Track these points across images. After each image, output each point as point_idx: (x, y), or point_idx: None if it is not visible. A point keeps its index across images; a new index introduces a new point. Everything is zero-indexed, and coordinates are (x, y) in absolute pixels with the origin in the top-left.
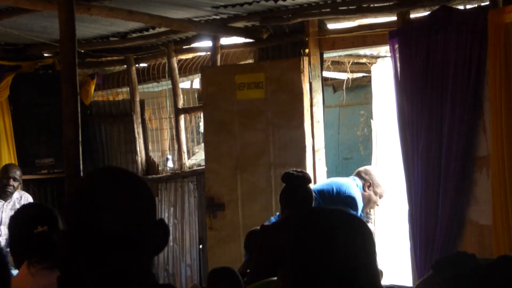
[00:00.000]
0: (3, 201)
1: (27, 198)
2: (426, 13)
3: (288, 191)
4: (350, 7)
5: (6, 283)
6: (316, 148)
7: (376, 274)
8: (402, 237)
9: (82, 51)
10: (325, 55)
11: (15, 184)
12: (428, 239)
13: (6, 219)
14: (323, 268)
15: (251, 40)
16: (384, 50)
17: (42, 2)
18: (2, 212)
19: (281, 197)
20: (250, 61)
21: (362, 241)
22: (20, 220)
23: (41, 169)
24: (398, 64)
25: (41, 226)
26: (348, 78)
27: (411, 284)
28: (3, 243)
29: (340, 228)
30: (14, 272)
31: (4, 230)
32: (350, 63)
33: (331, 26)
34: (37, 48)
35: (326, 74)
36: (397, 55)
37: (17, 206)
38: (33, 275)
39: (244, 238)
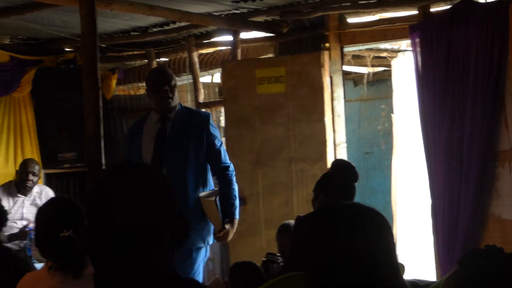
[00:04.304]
0: (23, 196)
1: (48, 193)
2: (447, 7)
3: (331, 177)
4: (370, 1)
5: None
6: (337, 142)
7: (397, 268)
8: (424, 232)
9: (103, 45)
10: (346, 49)
11: (34, 179)
12: (451, 233)
13: (26, 214)
14: (343, 263)
15: (271, 34)
16: (404, 44)
17: None
18: (22, 207)
19: (321, 183)
20: (271, 55)
21: (381, 234)
22: (46, 217)
23: (63, 163)
24: (419, 58)
25: (67, 225)
26: (368, 72)
27: (435, 279)
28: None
29: (359, 222)
30: (38, 265)
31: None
32: (371, 57)
33: (351, 20)
34: (58, 43)
35: (346, 68)
36: (418, 49)
37: (37, 200)
38: (50, 275)
39: (265, 232)
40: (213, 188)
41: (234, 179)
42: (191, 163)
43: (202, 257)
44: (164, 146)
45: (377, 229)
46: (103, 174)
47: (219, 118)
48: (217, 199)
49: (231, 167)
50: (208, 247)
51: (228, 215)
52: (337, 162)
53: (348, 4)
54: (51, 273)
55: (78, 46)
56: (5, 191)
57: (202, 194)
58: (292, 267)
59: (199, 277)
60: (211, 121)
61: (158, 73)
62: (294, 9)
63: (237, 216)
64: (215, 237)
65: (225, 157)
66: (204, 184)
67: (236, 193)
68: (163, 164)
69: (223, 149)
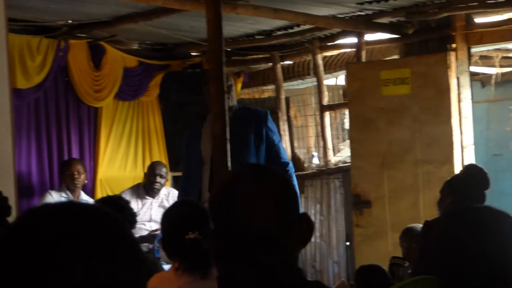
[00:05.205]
0: (151, 198)
1: (175, 195)
2: None
3: (463, 179)
4: (498, 0)
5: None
6: (464, 144)
7: None
8: None
9: (229, 49)
10: (473, 50)
11: (162, 181)
12: None
13: (154, 216)
14: (473, 266)
15: (396, 36)
16: None
17: (190, 2)
18: (150, 209)
19: (451, 186)
20: (396, 56)
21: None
22: (171, 219)
23: None
24: None
25: (192, 228)
26: (497, 72)
27: None
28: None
29: (489, 225)
30: (166, 267)
31: (153, 227)
32: (499, 58)
33: (478, 20)
34: (184, 47)
35: (473, 69)
36: None
37: (165, 202)
38: (177, 276)
39: (391, 235)
40: None
41: (294, 176)
42: (252, 160)
43: None
44: None
45: (508, 232)
46: (228, 178)
47: (343, 120)
48: None
49: (291, 164)
50: None
51: None
52: (470, 167)
53: (475, 4)
54: (178, 274)
55: (204, 50)
56: (134, 194)
57: None
58: (420, 270)
59: None
60: (269, 118)
61: None
62: (419, 10)
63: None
64: None
65: (284, 153)
66: None
67: (297, 190)
68: None
69: (282, 145)
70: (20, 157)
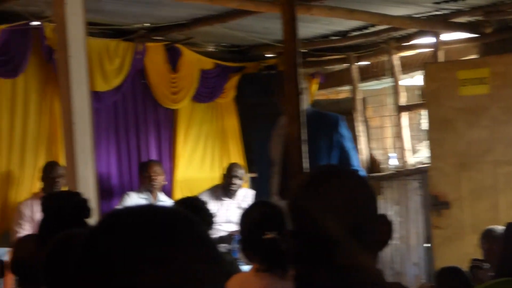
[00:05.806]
0: (229, 199)
1: (252, 196)
2: None
3: None
4: None
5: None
6: None
7: None
8: None
9: (304, 50)
10: None
11: (239, 182)
12: None
13: (231, 217)
14: None
15: (474, 35)
16: None
17: (265, 4)
18: (228, 210)
19: None
20: (473, 56)
21: None
22: (250, 220)
23: None
24: None
25: (270, 228)
26: None
27: None
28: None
29: None
30: (245, 268)
31: (231, 228)
32: None
33: None
34: (259, 49)
35: None
36: None
37: (242, 204)
38: (258, 277)
39: (471, 237)
40: None
41: None
42: (323, 163)
43: None
44: None
45: None
46: (306, 178)
47: (420, 121)
48: None
49: (362, 171)
50: None
51: None
52: None
53: None
54: (260, 275)
55: (279, 52)
56: (212, 195)
57: None
58: (502, 273)
59: None
60: (341, 123)
61: None
62: (498, 9)
63: None
64: None
65: (356, 160)
66: None
67: None
68: None
69: (354, 152)
70: (100, 159)
